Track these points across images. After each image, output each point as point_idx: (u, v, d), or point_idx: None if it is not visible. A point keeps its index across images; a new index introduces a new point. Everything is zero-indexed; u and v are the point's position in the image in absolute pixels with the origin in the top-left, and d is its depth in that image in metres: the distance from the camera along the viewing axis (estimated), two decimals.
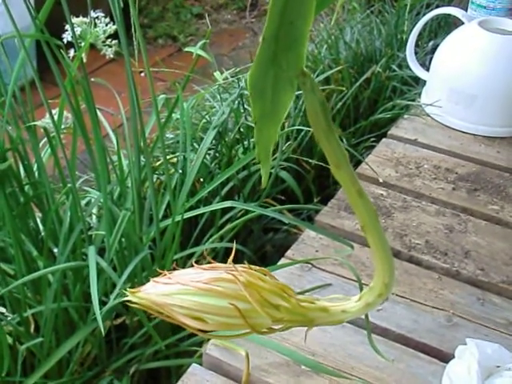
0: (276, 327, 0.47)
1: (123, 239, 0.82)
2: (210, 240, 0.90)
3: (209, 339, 0.69)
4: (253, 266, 0.47)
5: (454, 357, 0.64)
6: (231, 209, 0.95)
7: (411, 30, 1.19)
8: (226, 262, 0.47)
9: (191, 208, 0.87)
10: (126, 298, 0.44)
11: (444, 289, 0.79)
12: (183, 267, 0.89)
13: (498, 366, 0.62)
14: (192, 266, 0.47)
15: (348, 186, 0.44)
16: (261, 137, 0.41)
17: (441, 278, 0.81)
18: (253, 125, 0.41)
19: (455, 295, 0.78)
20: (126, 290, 0.45)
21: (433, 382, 0.67)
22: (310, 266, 0.81)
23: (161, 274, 0.46)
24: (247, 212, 0.89)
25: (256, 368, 0.68)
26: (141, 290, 0.45)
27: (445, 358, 0.68)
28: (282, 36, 0.37)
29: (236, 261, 0.47)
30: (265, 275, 0.47)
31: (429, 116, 1.14)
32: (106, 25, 0.79)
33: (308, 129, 1.04)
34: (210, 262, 0.48)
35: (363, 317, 0.67)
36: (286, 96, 0.39)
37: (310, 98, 0.39)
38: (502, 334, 0.73)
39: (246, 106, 1.07)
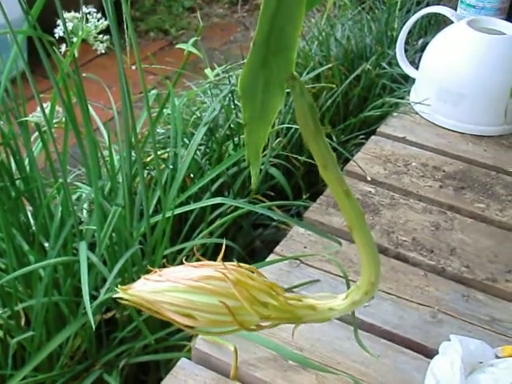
0: (264, 324, 0.48)
1: (114, 234, 0.83)
2: (200, 236, 0.91)
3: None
4: (242, 264, 0.48)
5: (438, 353, 0.65)
6: (221, 205, 0.96)
7: (401, 28, 1.20)
8: (215, 258, 0.48)
9: (181, 204, 0.88)
10: (116, 295, 0.45)
11: (430, 285, 0.81)
12: (173, 262, 0.90)
13: (481, 362, 0.63)
14: (182, 262, 0.48)
15: (335, 186, 0.45)
16: (251, 138, 0.42)
17: (426, 275, 0.82)
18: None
19: (440, 292, 0.80)
20: (116, 285, 0.46)
21: (417, 378, 0.68)
22: (298, 262, 0.83)
23: (151, 270, 0.47)
24: (237, 208, 0.89)
25: (244, 362, 0.69)
26: (131, 287, 0.45)
27: (429, 353, 0.70)
28: (272, 41, 0.37)
29: (225, 256, 0.48)
30: (253, 273, 0.48)
31: (417, 114, 1.15)
32: (98, 20, 0.79)
33: (298, 127, 1.05)
34: (198, 259, 0.49)
35: (350, 313, 0.68)
36: (275, 99, 0.40)
37: (299, 101, 0.40)
38: (485, 331, 0.74)
39: (236, 103, 1.08)
